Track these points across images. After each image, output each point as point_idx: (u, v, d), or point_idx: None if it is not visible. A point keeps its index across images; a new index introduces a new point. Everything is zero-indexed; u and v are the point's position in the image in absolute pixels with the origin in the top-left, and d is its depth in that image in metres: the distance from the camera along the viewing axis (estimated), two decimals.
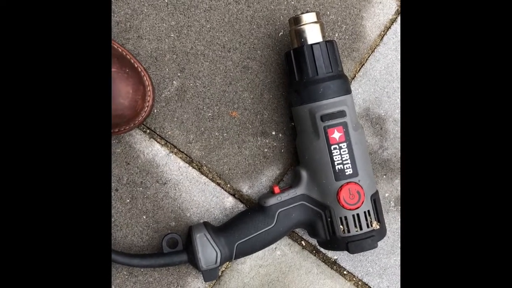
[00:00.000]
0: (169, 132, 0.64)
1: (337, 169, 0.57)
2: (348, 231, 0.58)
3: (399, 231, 0.65)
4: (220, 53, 0.64)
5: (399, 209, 0.65)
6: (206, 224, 0.60)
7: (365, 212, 0.58)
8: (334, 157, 0.57)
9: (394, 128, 0.65)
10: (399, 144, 0.65)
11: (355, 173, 0.58)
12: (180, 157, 0.64)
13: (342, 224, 0.58)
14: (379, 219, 0.59)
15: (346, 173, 0.58)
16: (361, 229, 0.58)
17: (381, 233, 0.60)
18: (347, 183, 0.57)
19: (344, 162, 0.57)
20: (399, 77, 0.65)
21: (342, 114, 0.57)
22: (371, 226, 0.58)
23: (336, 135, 0.57)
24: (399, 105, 0.65)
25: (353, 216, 0.58)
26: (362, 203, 0.58)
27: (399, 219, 0.65)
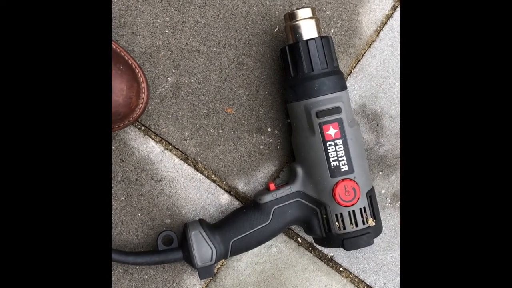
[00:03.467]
0: (164, 129, 0.64)
1: (332, 165, 0.57)
2: (344, 228, 0.58)
3: (396, 228, 0.65)
4: (215, 49, 0.64)
5: (396, 205, 0.65)
6: (202, 221, 0.60)
7: (360, 209, 0.58)
8: (330, 153, 0.57)
9: (390, 124, 0.65)
10: (396, 141, 0.65)
11: (350, 170, 0.57)
12: (175, 154, 0.64)
13: (337, 221, 0.58)
14: (375, 216, 0.59)
15: (342, 170, 0.57)
16: (356, 226, 0.58)
17: (377, 230, 0.59)
18: (343, 179, 0.57)
19: (340, 159, 0.57)
20: (396, 73, 0.65)
21: (337, 110, 0.57)
22: (367, 223, 0.58)
23: (331, 131, 0.57)
24: (395, 101, 0.65)
25: (349, 213, 0.58)
26: (357, 200, 0.57)
27: (396, 216, 0.65)
